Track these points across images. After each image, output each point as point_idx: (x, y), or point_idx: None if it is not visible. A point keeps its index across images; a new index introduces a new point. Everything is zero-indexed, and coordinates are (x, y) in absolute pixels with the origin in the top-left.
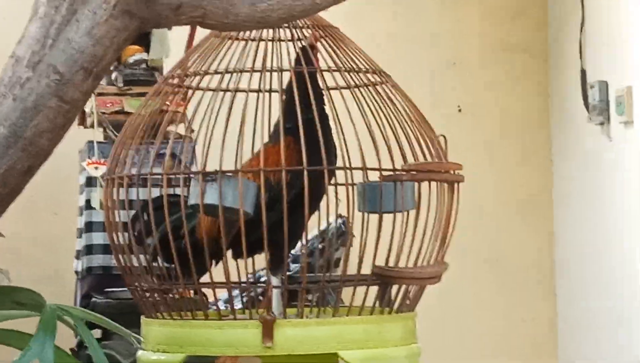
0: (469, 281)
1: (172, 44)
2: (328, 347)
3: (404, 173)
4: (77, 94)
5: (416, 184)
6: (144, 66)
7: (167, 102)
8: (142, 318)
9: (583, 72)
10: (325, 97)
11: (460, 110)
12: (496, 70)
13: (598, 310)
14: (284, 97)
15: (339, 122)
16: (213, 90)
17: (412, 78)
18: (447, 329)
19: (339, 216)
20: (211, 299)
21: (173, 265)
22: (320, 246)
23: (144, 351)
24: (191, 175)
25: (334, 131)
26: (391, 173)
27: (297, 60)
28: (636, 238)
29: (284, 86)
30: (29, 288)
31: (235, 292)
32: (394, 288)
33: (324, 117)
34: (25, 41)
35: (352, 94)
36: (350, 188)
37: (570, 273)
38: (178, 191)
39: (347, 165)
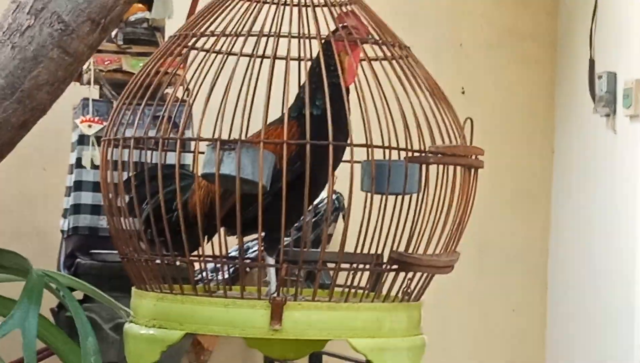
0: (460, 268)
1: (175, 5)
2: (338, 333)
3: (431, 155)
4: (81, 47)
5: (424, 167)
6: (145, 25)
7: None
8: (134, 290)
9: (592, 62)
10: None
11: (463, 92)
12: (503, 54)
13: (589, 304)
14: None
15: (362, 97)
16: (207, 51)
17: (416, 56)
18: (434, 316)
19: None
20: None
21: (163, 238)
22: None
23: (132, 324)
24: (206, 143)
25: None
26: (417, 153)
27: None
28: (634, 234)
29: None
30: (14, 251)
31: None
32: (409, 275)
33: (336, 96)
34: None
35: (371, 67)
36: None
37: (563, 265)
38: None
39: (369, 142)
